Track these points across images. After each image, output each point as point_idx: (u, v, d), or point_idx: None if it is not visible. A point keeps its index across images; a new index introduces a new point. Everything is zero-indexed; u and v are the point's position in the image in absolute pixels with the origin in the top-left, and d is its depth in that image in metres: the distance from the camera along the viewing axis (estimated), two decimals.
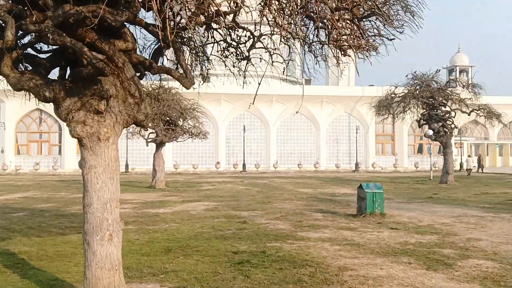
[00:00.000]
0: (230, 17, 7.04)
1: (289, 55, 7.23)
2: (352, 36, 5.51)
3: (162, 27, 6.14)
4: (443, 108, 28.80)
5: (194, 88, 7.75)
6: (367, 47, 5.53)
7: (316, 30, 6.25)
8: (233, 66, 7.99)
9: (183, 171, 45.16)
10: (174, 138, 25.20)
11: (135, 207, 16.01)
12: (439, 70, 28.48)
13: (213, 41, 7.63)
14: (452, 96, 28.09)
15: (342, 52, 6.05)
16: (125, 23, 5.54)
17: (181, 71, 6.01)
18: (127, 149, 43.97)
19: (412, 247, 9.12)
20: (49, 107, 45.95)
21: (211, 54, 7.95)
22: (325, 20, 5.79)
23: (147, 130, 24.90)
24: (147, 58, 5.88)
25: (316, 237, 10.20)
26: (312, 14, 5.85)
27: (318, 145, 49.64)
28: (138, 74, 6.08)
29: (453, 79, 28.94)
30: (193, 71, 8.38)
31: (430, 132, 32.86)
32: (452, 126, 28.65)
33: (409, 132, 51.85)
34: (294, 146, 49.44)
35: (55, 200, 18.62)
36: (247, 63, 7.61)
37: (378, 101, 31.34)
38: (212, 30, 7.53)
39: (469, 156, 45.78)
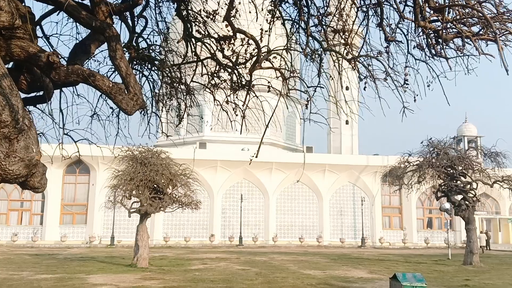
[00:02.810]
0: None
1: (318, 75, 4.37)
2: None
3: None
4: (463, 179, 25.90)
5: (186, 144, 4.94)
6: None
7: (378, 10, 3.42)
8: (227, 102, 5.17)
9: (174, 244, 41.39)
10: (161, 208, 22.03)
11: None
12: (455, 137, 25.90)
13: (196, 60, 4.88)
14: (473, 166, 25.30)
15: (441, 41, 3.20)
16: None
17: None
18: (114, 220, 40.48)
19: None
20: None
21: (191, 81, 5.18)
22: None
23: (130, 198, 21.83)
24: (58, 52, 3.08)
25: None
26: None
27: (321, 217, 46.16)
28: (38, 94, 3.24)
29: (473, 147, 26.33)
30: (167, 110, 5.54)
31: (447, 206, 29.79)
32: (474, 199, 25.59)
33: (417, 204, 48.60)
34: (295, 218, 45.92)
35: (7, 284, 15.17)
36: (247, 93, 4.81)
37: (390, 170, 28.52)
38: (194, 41, 4.77)
39: (481, 232, 42.28)
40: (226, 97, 5.02)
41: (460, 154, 25.32)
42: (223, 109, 5.16)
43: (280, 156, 46.71)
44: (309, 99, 4.58)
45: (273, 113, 4.55)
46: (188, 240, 42.44)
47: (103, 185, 38.28)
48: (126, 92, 3.02)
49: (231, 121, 5.24)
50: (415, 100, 3.80)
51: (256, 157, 4.64)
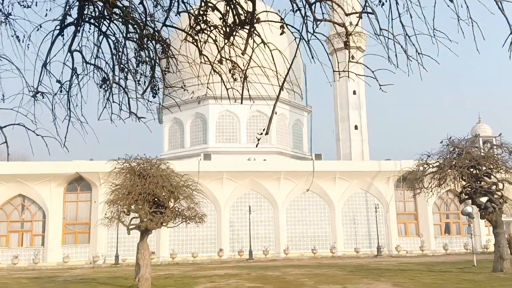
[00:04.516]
0: None
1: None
2: None
3: None
4: (487, 179, 24.03)
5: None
6: None
7: None
8: (220, 61, 3.49)
9: (181, 260, 39.53)
10: (163, 224, 20.31)
11: None
12: (478, 135, 24.13)
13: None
14: (499, 165, 23.43)
15: None
16: None
17: None
18: (118, 237, 38.73)
19: None
20: (32, 192, 41.38)
21: (164, 25, 3.49)
22: None
23: (128, 214, 20.14)
24: None
25: None
26: None
27: (334, 226, 44.14)
28: None
29: (497, 145, 24.48)
30: (137, 80, 3.88)
31: (469, 209, 27.94)
32: (501, 200, 23.69)
33: (434, 210, 46.46)
34: (306, 228, 43.92)
35: None
36: (249, 33, 3.10)
37: (406, 174, 26.69)
38: None
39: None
40: (219, 52, 3.35)
41: (484, 153, 23.47)
42: (214, 71, 3.49)
43: (288, 164, 45.02)
44: (347, 36, 2.89)
45: (290, 66, 2.86)
46: (196, 256, 40.58)
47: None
48: None
49: (227, 89, 3.57)
50: None
51: (267, 133, 2.98)
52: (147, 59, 3.71)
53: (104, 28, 3.83)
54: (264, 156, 48.93)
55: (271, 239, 43.07)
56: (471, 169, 23.61)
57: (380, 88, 3.08)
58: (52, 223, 41.04)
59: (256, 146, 3.83)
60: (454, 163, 23.34)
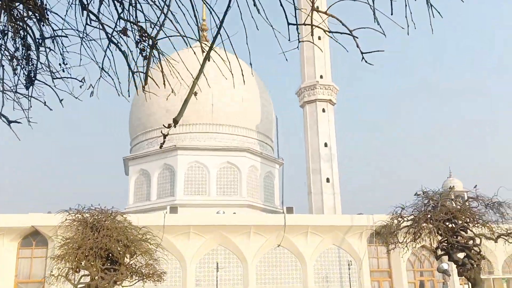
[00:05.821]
0: None
1: None
2: None
3: None
4: (464, 234, 23.03)
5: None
6: None
7: None
8: (110, 46, 2.26)
9: None
10: (117, 282, 18.33)
11: None
12: (453, 187, 23.46)
13: None
14: (475, 218, 22.54)
15: None
16: None
17: None
18: None
19: None
20: None
21: None
22: None
23: (78, 271, 18.13)
24: None
25: None
26: None
27: (305, 284, 42.04)
28: None
29: (473, 197, 23.66)
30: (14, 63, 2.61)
31: (445, 266, 26.77)
32: (479, 256, 22.61)
33: (407, 267, 45.06)
34: (277, 287, 41.67)
35: None
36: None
37: (380, 228, 25.53)
38: None
39: None
40: (118, 15, 2.13)
41: (460, 205, 22.59)
42: (113, 42, 2.25)
43: (258, 218, 43.40)
44: None
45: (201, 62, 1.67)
46: None
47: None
48: None
49: (133, 73, 2.32)
50: None
51: (177, 122, 1.76)
52: (21, 32, 2.47)
53: None
54: (234, 209, 47.24)
55: None
56: (447, 223, 22.62)
57: (363, 58, 1.98)
58: (3, 281, 37.81)
59: (169, 129, 2.45)
60: (429, 216, 22.35)
